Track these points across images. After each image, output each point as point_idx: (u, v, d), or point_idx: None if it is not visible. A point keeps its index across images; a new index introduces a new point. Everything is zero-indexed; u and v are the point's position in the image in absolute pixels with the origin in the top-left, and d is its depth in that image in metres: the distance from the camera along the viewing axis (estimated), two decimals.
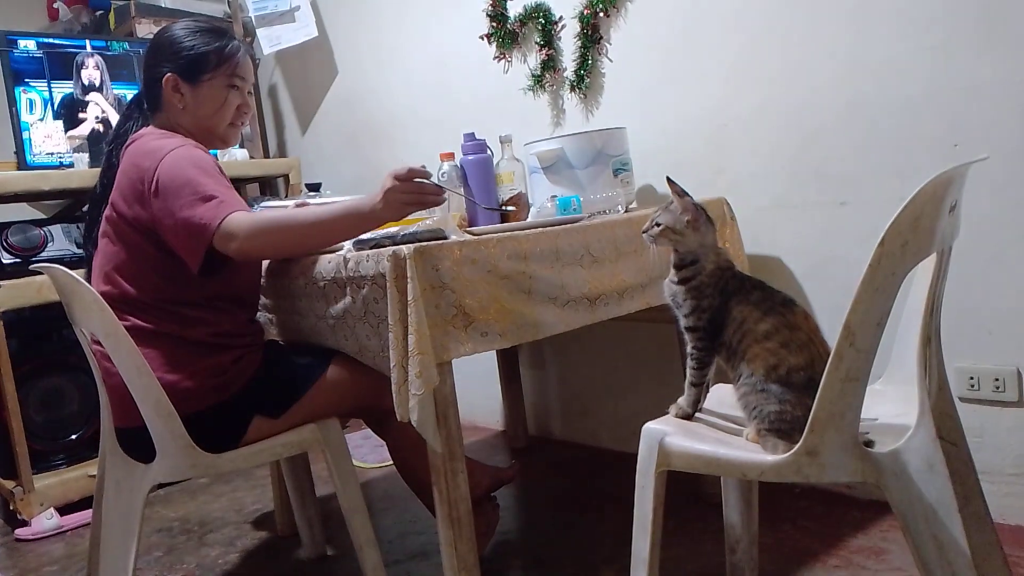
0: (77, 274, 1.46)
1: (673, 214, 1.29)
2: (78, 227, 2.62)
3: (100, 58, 2.73)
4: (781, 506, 1.95)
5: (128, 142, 1.59)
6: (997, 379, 1.72)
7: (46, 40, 2.66)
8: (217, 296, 1.56)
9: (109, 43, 2.79)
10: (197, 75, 1.60)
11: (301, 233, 1.48)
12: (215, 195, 1.45)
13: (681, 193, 1.28)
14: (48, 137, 2.63)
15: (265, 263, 1.75)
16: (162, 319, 1.52)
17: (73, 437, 2.63)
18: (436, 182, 1.48)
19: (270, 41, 3.23)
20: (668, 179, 1.30)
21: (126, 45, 2.82)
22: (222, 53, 1.61)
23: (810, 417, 1.05)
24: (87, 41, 2.74)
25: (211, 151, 1.63)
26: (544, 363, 2.77)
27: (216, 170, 1.52)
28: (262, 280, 1.75)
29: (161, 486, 2.61)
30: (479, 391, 2.91)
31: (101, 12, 3.37)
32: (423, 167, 1.45)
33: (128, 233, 1.53)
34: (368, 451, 2.75)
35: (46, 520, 2.38)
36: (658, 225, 1.29)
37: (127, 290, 1.52)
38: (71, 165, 2.62)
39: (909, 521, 1.04)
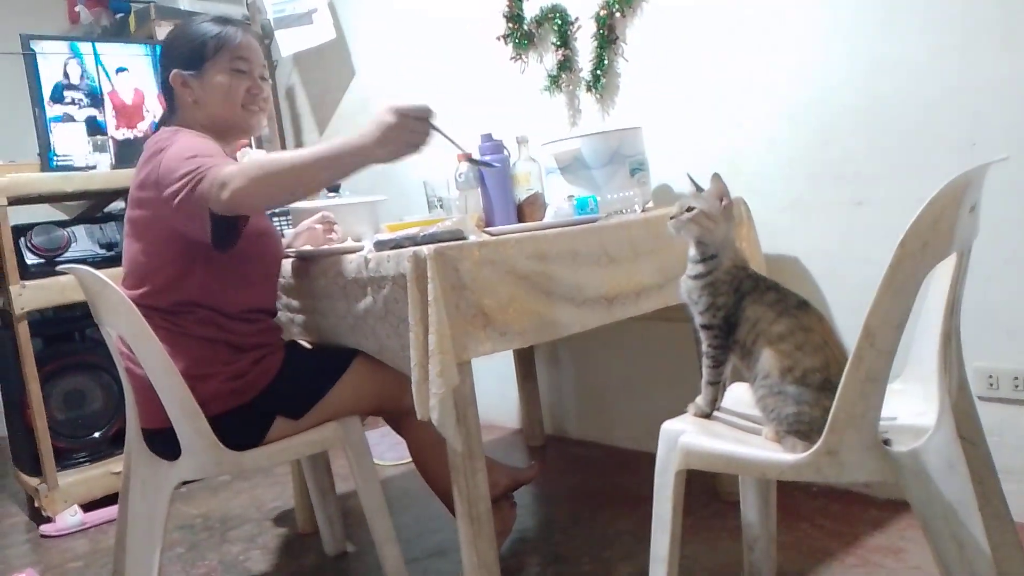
0: (104, 274, 1.49)
1: (707, 200, 1.29)
2: (100, 228, 2.66)
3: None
4: (799, 505, 1.95)
5: None
6: (1016, 378, 1.72)
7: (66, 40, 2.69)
8: (234, 295, 1.57)
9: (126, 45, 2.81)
10: (199, 64, 1.59)
11: (293, 175, 1.39)
12: (203, 158, 1.42)
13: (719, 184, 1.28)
14: (70, 138, 2.66)
15: (287, 265, 1.77)
16: (180, 321, 1.53)
17: (96, 435, 2.67)
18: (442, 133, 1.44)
19: (288, 43, 3.26)
20: (715, 175, 1.29)
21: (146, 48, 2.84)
22: (219, 37, 1.60)
23: (830, 417, 1.05)
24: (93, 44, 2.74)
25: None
26: (560, 362, 2.78)
27: (217, 149, 1.50)
28: (282, 280, 1.77)
29: (183, 484, 2.66)
30: (495, 390, 2.93)
31: (121, 15, 3.40)
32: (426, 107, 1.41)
33: (143, 230, 1.53)
34: (386, 449, 2.77)
35: (70, 517, 2.42)
36: (690, 210, 1.28)
37: (147, 290, 1.53)
38: (94, 167, 2.65)
39: (928, 520, 1.05)
